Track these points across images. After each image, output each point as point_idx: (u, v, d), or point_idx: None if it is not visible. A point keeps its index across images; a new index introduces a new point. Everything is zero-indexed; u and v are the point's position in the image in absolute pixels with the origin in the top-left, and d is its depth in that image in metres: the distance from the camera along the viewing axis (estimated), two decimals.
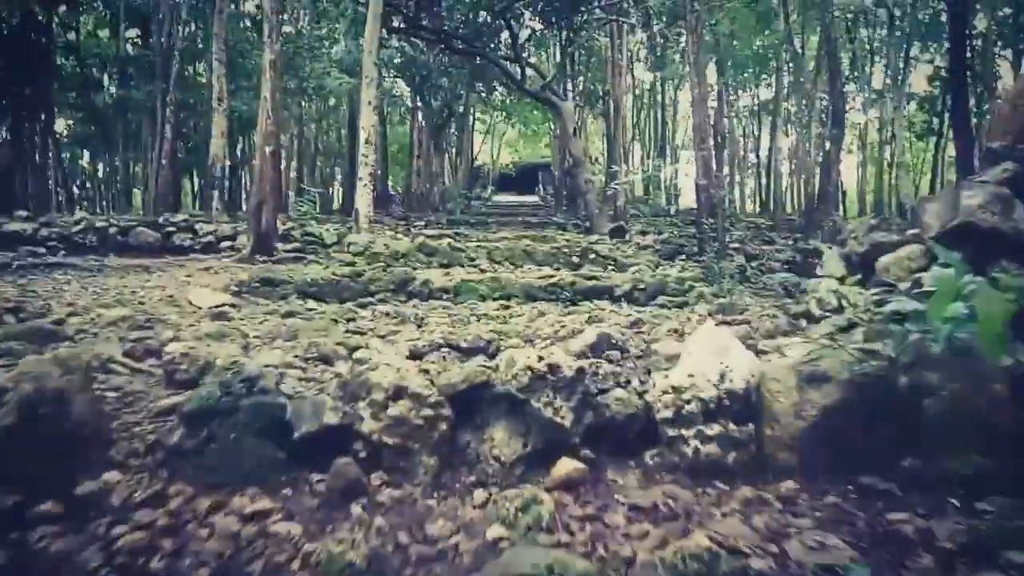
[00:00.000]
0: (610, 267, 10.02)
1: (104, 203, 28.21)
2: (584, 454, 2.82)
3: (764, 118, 34.73)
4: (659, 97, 35.06)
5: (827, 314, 4.65)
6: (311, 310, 5.60)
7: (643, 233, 15.03)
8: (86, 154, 33.12)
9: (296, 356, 3.35)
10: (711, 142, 13.73)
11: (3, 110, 22.21)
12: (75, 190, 28.90)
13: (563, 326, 4.59)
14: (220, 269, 10.32)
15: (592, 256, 10.39)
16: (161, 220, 13.24)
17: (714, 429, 2.88)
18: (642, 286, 7.06)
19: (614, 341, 3.63)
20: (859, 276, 4.67)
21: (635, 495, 2.60)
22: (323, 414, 2.66)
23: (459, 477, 2.69)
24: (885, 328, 3.40)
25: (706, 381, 2.95)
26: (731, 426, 2.91)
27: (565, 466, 2.67)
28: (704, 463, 2.83)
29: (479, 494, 2.54)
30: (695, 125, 13.55)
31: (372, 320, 5.19)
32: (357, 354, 3.07)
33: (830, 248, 5.68)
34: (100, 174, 31.40)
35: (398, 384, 2.78)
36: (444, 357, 3.48)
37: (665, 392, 2.96)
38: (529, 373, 2.84)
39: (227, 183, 22.45)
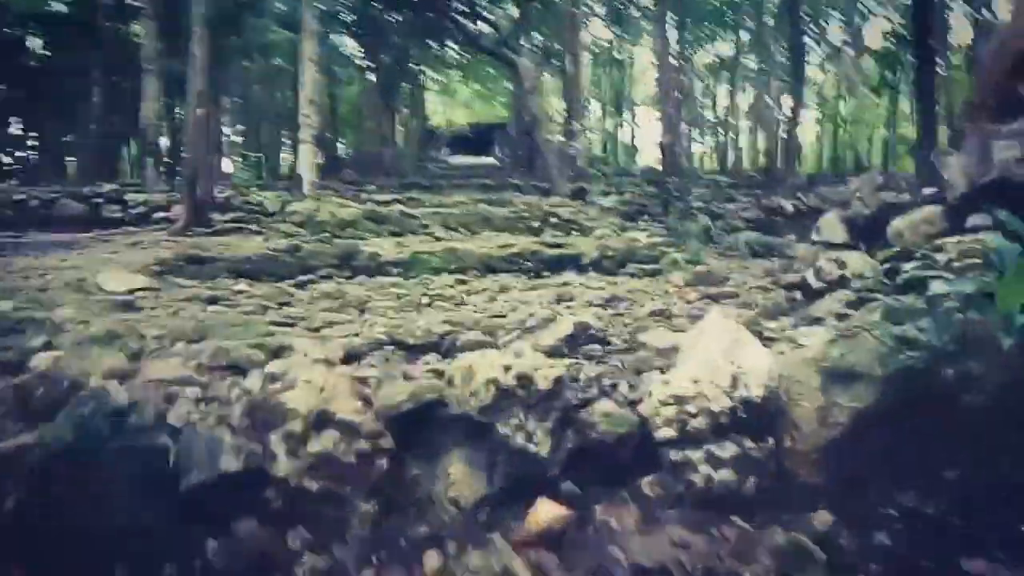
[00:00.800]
0: (574, 231, 9.40)
1: (37, 174, 26.45)
2: (567, 488, 2.20)
3: (722, 74, 34.14)
4: (616, 54, 34.20)
5: (825, 286, 4.09)
6: (240, 293, 4.84)
7: (604, 194, 14.38)
8: (17, 123, 31.06)
9: (199, 365, 2.64)
10: (676, 98, 13.08)
11: None
12: (4, 160, 27.00)
13: (528, 308, 3.94)
14: (150, 243, 9.40)
15: (554, 220, 9.73)
16: (87, 191, 12.12)
17: (728, 450, 2.27)
18: (611, 253, 6.43)
19: (593, 332, 2.99)
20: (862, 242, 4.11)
21: (636, 546, 1.98)
22: (220, 457, 1.98)
23: (405, 529, 2.04)
24: (913, 306, 2.83)
25: (715, 388, 2.33)
26: (748, 443, 2.31)
27: (544, 512, 2.03)
28: (717, 493, 2.23)
29: (431, 558, 1.90)
30: (659, 81, 12.89)
31: (308, 304, 4.47)
32: (272, 365, 2.37)
33: (830, 210, 5.10)
34: (34, 143, 29.46)
35: (323, 408, 2.10)
36: (387, 359, 2.80)
37: (664, 403, 2.34)
38: (493, 389, 2.18)
39: (166, 149, 21.09)
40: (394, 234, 9.38)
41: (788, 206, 14.20)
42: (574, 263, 6.30)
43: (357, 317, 3.83)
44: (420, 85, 32.95)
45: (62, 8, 23.04)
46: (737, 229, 12.95)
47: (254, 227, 10.73)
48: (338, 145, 30.44)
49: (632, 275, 5.91)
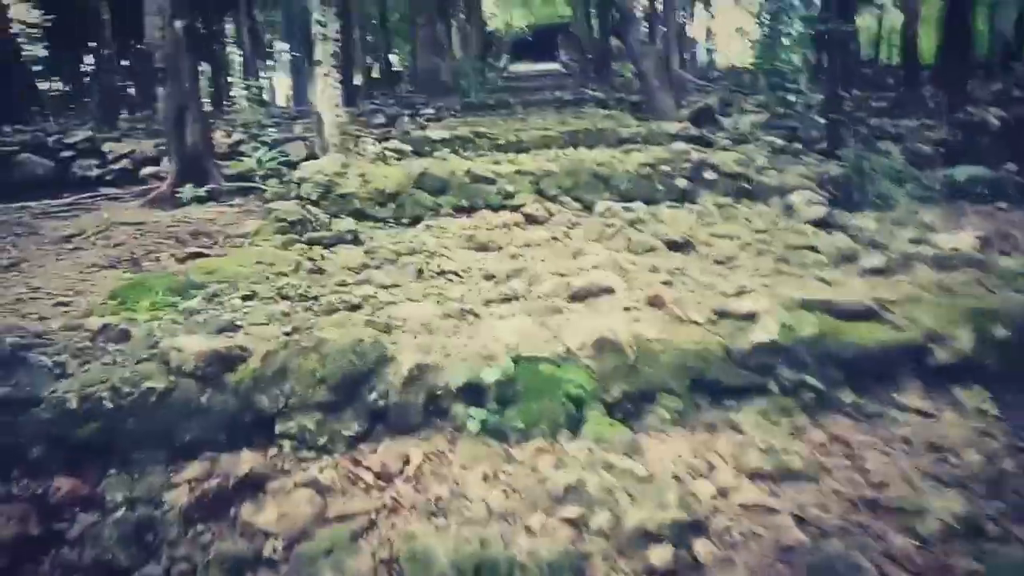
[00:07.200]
0: (747, 201, 5.40)
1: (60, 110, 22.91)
2: None
3: None
4: None
5: None
6: None
7: (740, 114, 9.99)
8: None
9: None
10: None
11: None
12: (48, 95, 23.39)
13: None
14: (96, 235, 5.85)
15: (710, 176, 5.70)
16: (53, 142, 8.52)
17: None
18: (997, 336, 2.45)
19: None
20: None
21: None
22: None
23: None
24: None
25: None
26: None
27: None
28: None
29: None
30: None
31: None
32: None
33: None
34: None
35: None
36: None
37: None
38: None
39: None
40: (460, 210, 5.55)
41: (991, 119, 9.60)
42: (910, 360, 2.37)
43: None
44: None
45: None
46: (925, 159, 8.57)
47: (267, 194, 7.04)
48: (391, 58, 25.98)
49: None
